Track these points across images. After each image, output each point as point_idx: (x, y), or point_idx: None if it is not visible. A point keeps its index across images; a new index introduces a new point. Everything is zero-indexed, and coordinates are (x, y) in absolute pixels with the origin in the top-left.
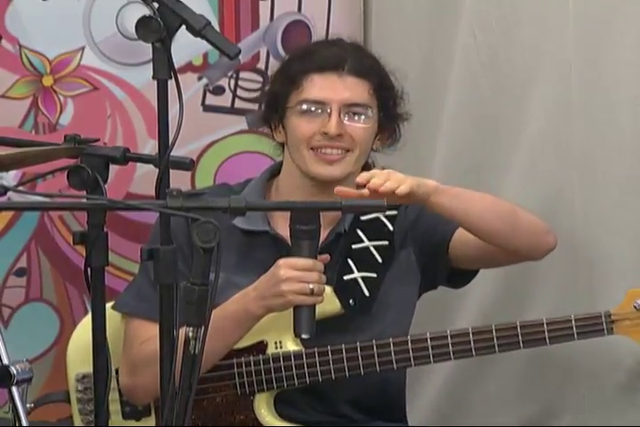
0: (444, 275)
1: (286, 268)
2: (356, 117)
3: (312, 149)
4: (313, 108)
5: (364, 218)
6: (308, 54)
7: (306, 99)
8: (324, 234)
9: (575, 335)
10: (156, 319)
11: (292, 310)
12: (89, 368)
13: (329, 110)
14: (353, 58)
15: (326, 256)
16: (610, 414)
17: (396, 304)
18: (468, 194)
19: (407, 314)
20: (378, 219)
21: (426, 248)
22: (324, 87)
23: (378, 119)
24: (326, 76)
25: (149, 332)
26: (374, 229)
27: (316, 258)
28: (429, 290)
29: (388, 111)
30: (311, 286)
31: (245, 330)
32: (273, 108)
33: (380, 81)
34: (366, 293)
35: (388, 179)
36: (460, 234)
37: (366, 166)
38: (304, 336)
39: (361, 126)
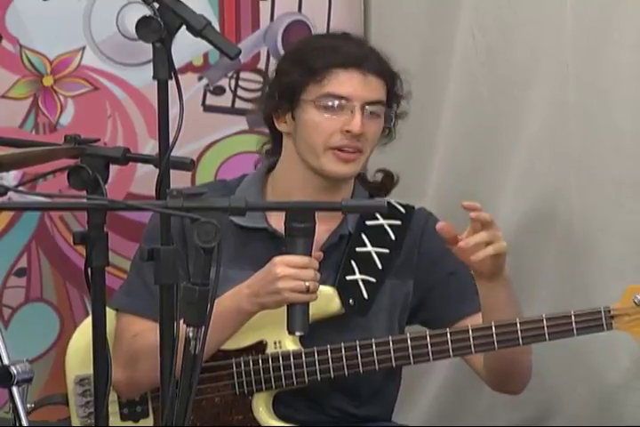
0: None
1: (282, 265)
2: (374, 116)
3: (330, 148)
4: (337, 104)
5: (369, 223)
6: (329, 48)
7: (330, 93)
8: (325, 234)
9: (575, 331)
10: (145, 315)
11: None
12: (87, 371)
13: (352, 108)
14: (373, 56)
15: (320, 253)
16: (607, 415)
17: (387, 322)
18: (514, 308)
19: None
20: (381, 226)
21: (424, 306)
22: (350, 84)
23: (384, 119)
24: (351, 73)
25: (139, 326)
26: (377, 236)
27: (310, 255)
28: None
29: (393, 111)
30: (307, 283)
31: (238, 327)
32: (285, 98)
33: (392, 81)
34: (365, 295)
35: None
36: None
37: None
38: (298, 334)
39: (376, 126)
